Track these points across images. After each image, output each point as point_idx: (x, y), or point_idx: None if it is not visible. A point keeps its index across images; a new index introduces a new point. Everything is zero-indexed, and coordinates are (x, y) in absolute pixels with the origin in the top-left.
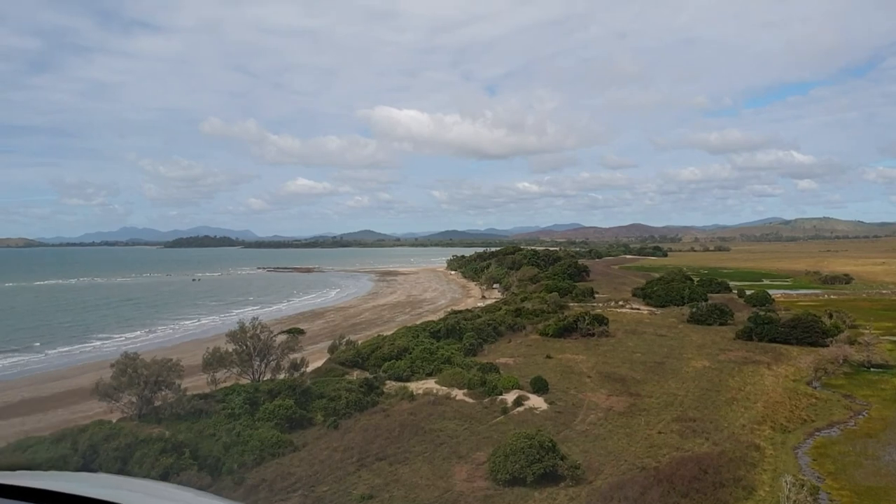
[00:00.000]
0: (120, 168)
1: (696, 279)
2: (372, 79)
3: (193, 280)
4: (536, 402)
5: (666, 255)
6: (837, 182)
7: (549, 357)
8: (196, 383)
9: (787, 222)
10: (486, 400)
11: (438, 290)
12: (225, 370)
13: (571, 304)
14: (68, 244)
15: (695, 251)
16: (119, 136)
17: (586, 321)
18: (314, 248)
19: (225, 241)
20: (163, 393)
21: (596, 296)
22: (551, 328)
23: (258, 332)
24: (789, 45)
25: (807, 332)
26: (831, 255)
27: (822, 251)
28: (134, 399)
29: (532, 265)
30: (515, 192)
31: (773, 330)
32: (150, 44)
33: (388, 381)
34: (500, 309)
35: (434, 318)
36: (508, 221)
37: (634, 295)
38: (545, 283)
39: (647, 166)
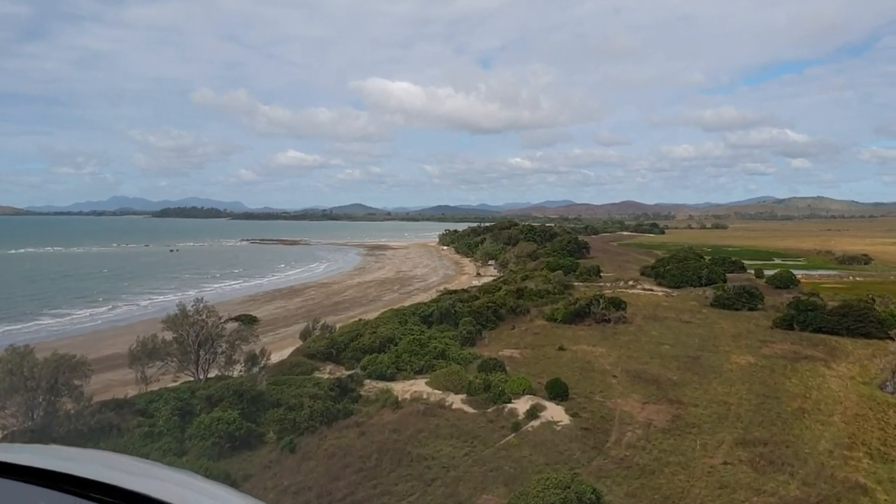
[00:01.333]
0: (111, 137)
1: (706, 258)
2: (365, 50)
3: (171, 251)
4: (555, 412)
5: (663, 233)
6: (831, 162)
7: (561, 349)
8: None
9: (780, 201)
10: (491, 410)
11: (430, 267)
12: (161, 364)
13: (576, 284)
14: (58, 213)
15: (692, 228)
16: (111, 106)
17: (601, 305)
18: (303, 221)
19: (212, 213)
20: (62, 401)
21: (602, 275)
22: (560, 313)
23: (203, 316)
24: (787, 22)
25: (860, 320)
26: (835, 235)
27: (823, 230)
28: (22, 410)
29: (529, 241)
30: (508, 167)
31: (819, 318)
32: (143, 13)
33: (366, 381)
34: (500, 289)
35: (425, 297)
36: (500, 197)
37: (644, 274)
38: (546, 259)
39: (640, 143)
